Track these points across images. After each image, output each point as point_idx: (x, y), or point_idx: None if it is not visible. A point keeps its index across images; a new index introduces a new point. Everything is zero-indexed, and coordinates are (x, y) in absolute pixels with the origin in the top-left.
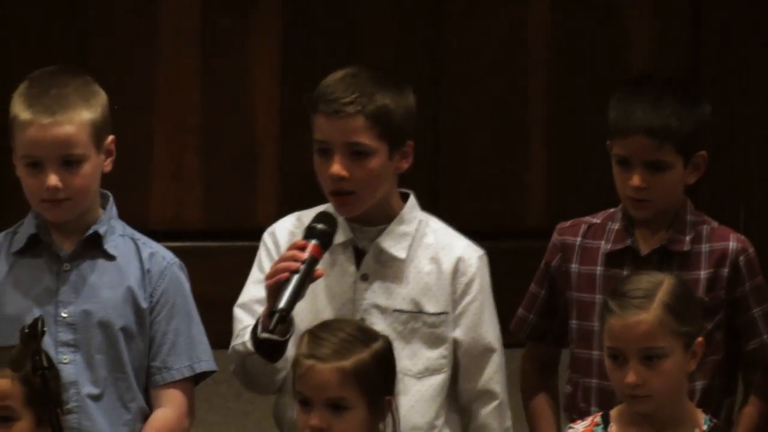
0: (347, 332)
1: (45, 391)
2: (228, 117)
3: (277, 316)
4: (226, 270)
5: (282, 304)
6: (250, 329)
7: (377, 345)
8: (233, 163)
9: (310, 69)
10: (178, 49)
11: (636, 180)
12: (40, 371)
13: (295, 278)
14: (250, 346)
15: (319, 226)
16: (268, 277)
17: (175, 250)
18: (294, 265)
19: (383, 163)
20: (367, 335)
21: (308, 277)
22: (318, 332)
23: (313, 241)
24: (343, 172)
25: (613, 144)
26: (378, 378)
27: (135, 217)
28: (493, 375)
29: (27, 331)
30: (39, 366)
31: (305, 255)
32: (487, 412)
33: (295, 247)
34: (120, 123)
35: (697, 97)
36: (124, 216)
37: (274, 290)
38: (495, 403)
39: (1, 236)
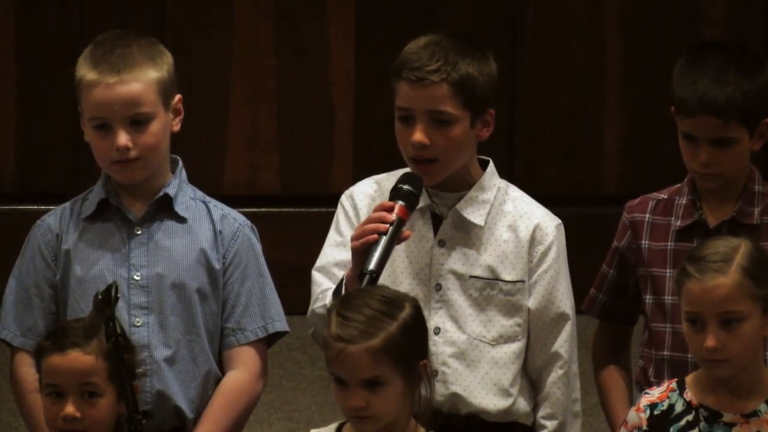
0: (373, 308)
1: (118, 358)
2: (303, 83)
3: (368, 277)
4: (301, 236)
5: (372, 265)
6: (331, 291)
7: (404, 314)
8: (309, 129)
9: (386, 35)
10: (255, 16)
11: (703, 157)
12: (112, 338)
13: (384, 239)
14: None
15: (405, 187)
16: (355, 238)
17: (251, 216)
18: (383, 226)
19: (465, 131)
20: (393, 305)
21: (396, 238)
22: (344, 312)
23: (400, 202)
24: (426, 140)
25: (678, 119)
26: (409, 347)
27: (211, 183)
28: (563, 343)
29: (101, 297)
30: (112, 333)
31: (393, 216)
32: (552, 380)
33: (381, 208)
34: (197, 89)
35: (758, 63)
36: (200, 181)
37: (362, 251)
38: (562, 370)
39: (68, 204)
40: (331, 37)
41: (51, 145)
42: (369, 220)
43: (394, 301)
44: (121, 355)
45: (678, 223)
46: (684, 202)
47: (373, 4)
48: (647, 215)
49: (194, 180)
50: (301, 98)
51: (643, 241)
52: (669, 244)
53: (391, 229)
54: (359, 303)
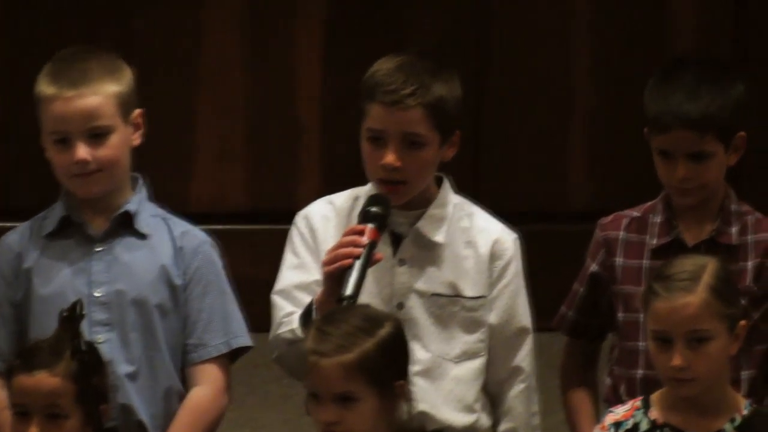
0: (352, 324)
1: (83, 376)
2: (271, 99)
3: (345, 303)
4: (268, 252)
5: (350, 290)
6: (297, 316)
7: (383, 332)
8: (276, 146)
9: (354, 53)
10: (223, 31)
11: (680, 172)
12: (77, 355)
13: (358, 263)
14: (300, 333)
15: (374, 209)
16: (327, 263)
17: (218, 232)
18: (357, 251)
19: (435, 153)
20: (373, 323)
21: (369, 261)
22: (323, 326)
23: (371, 225)
24: (398, 163)
25: (653, 136)
26: (385, 366)
27: (177, 199)
28: (524, 357)
29: (65, 314)
30: (77, 349)
31: (365, 240)
32: (513, 394)
33: (352, 231)
34: (164, 104)
35: (731, 77)
36: (166, 197)
37: (336, 277)
38: (524, 384)
39: (28, 222)
40: (300, 54)
41: (21, 162)
42: (341, 245)
43: (375, 319)
44: (87, 371)
45: (654, 242)
46: (659, 220)
47: (341, 22)
48: (621, 232)
49: (161, 196)
50: (269, 114)
51: (617, 258)
52: (644, 261)
53: (364, 252)
54: (339, 318)
